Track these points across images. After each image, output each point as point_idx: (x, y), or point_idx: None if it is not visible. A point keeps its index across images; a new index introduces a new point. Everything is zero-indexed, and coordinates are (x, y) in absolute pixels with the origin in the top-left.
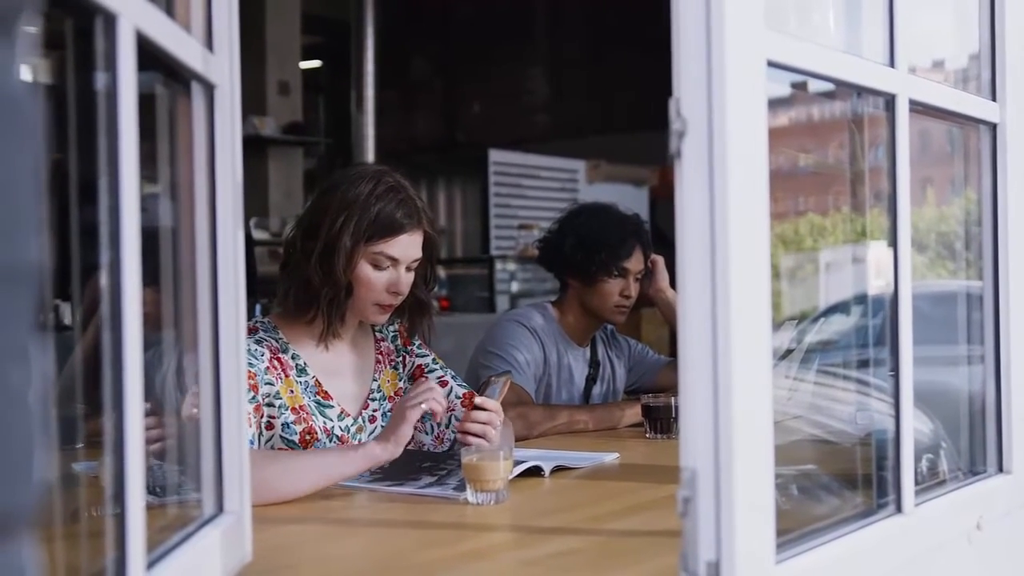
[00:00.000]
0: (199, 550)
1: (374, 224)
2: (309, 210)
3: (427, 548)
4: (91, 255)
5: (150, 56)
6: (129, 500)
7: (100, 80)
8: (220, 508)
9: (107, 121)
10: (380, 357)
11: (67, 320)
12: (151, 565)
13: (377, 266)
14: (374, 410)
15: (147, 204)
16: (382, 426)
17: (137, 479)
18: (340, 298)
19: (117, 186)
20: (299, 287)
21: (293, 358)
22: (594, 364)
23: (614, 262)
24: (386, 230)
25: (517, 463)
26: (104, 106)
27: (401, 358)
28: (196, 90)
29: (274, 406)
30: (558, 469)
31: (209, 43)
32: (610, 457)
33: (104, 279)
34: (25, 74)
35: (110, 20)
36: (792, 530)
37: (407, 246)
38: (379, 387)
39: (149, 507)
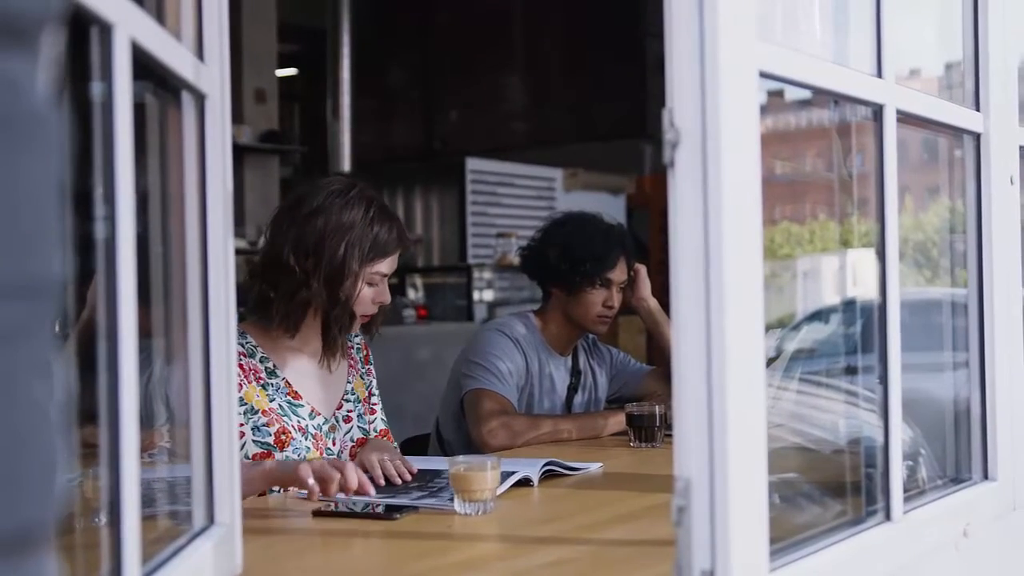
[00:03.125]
0: (191, 562)
1: (374, 247)
2: (298, 232)
3: (417, 559)
4: (80, 265)
5: (142, 65)
6: (124, 513)
7: (94, 89)
8: (211, 520)
9: (103, 130)
10: (352, 362)
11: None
12: None
13: (371, 283)
14: (348, 410)
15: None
16: (358, 426)
17: (132, 492)
18: (347, 321)
19: (113, 196)
20: (296, 306)
21: (262, 361)
22: (576, 373)
23: (599, 273)
24: (384, 251)
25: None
26: (100, 115)
27: (365, 370)
28: (186, 99)
29: (239, 412)
30: (548, 473)
31: (200, 53)
32: (594, 467)
33: (99, 289)
34: (46, 88)
35: (106, 30)
36: (784, 538)
37: (394, 261)
38: (352, 389)
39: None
